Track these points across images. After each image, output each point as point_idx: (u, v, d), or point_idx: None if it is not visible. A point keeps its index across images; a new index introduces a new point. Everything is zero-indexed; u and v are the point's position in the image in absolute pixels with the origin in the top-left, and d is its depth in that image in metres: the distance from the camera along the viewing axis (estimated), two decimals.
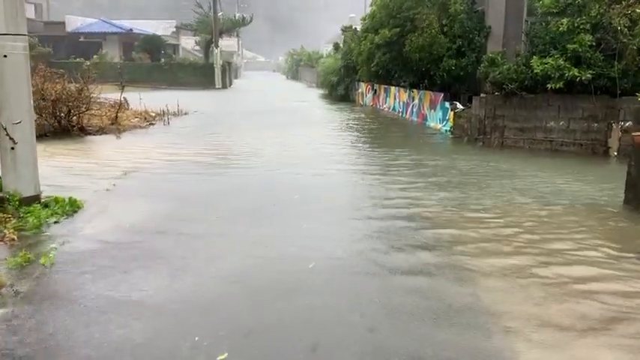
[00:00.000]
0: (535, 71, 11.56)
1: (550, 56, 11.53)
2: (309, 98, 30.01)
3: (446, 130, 15.06)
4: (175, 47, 50.34)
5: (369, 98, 25.48)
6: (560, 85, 11.29)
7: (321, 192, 8.38)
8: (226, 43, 55.56)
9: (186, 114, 19.81)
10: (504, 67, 12.34)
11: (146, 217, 6.71)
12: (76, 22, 44.78)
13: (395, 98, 21.09)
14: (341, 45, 30.69)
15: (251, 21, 45.14)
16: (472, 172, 9.88)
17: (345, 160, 11.23)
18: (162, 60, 41.91)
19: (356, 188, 8.69)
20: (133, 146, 12.55)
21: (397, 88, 20.57)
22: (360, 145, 13.67)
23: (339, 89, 28.63)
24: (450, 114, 15.11)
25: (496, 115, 12.83)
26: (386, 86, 22.37)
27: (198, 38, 46.23)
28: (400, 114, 20.28)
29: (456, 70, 14.98)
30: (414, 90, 18.12)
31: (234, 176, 9.38)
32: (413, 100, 18.69)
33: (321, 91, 33.88)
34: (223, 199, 7.79)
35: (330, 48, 69.64)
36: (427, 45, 14.93)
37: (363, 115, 21.14)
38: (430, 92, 16.77)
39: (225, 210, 7.19)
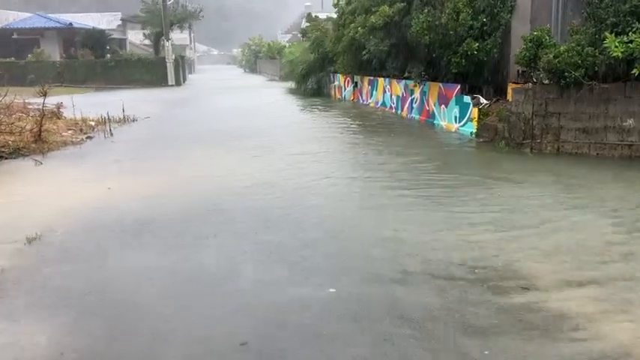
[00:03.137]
0: (613, 53, 8.45)
1: (634, 31, 8.43)
2: (276, 95, 26.43)
3: (470, 133, 11.85)
4: (122, 42, 45.66)
5: (348, 92, 22.14)
6: None
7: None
8: (177, 37, 51.23)
9: (134, 121, 16.05)
10: (562, 48, 9.19)
11: None
12: (7, 17, 39.77)
13: (385, 92, 17.82)
14: (308, 34, 27.22)
15: (201, 12, 40.99)
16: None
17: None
18: (108, 56, 37.51)
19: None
20: (55, 179, 8.92)
21: (387, 79, 17.31)
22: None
23: (311, 82, 25.20)
24: (473, 111, 11.92)
25: (548, 112, 9.70)
26: (372, 78, 19.08)
27: (146, 31, 41.77)
28: (393, 110, 17.03)
29: (480, 54, 11.76)
30: (413, 82, 14.86)
31: (204, 252, 5.80)
32: (412, 94, 15.45)
33: (286, 85, 30.34)
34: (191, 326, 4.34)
35: (288, 37, 65.93)
36: (447, 23, 11.61)
37: (350, 116, 17.78)
38: (439, 84, 13.54)
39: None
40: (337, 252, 5.30)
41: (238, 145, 11.59)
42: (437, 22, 11.96)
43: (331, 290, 4.39)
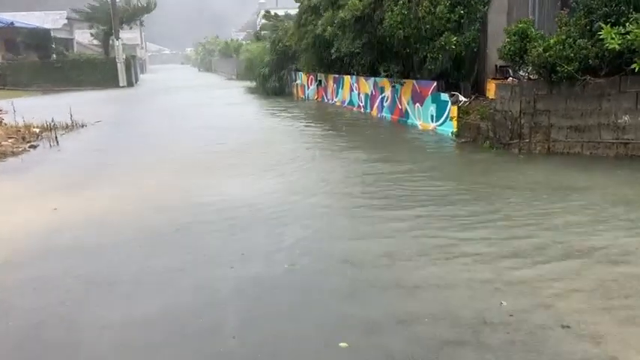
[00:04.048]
0: (610, 46, 7.84)
1: (631, 22, 7.83)
2: (236, 95, 25.32)
3: (450, 133, 11.14)
4: (68, 42, 43.43)
5: (312, 91, 21.28)
6: None
7: None
8: (128, 36, 49.20)
9: (83, 126, 14.74)
10: (551, 41, 8.54)
11: None
12: None
13: (352, 90, 17.02)
14: (266, 32, 26.19)
15: (155, 6, 39.17)
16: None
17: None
18: (54, 57, 35.50)
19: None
20: None
21: (355, 77, 16.51)
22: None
23: (272, 81, 24.22)
24: (452, 109, 11.22)
25: (537, 109, 9.06)
26: (337, 76, 18.25)
27: (93, 31, 39.70)
28: (362, 110, 16.24)
29: (458, 49, 11.06)
30: (384, 79, 14.11)
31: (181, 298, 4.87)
32: (382, 92, 14.68)
33: (245, 84, 29.22)
34: None
35: (243, 35, 64.44)
36: (423, 16, 10.84)
37: (316, 117, 16.91)
38: (413, 81, 12.81)
39: None
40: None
41: (201, 151, 10.57)
42: (412, 15, 11.18)
43: None
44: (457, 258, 4.78)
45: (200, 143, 11.42)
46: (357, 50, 13.27)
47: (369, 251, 5.04)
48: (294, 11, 25.23)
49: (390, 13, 11.45)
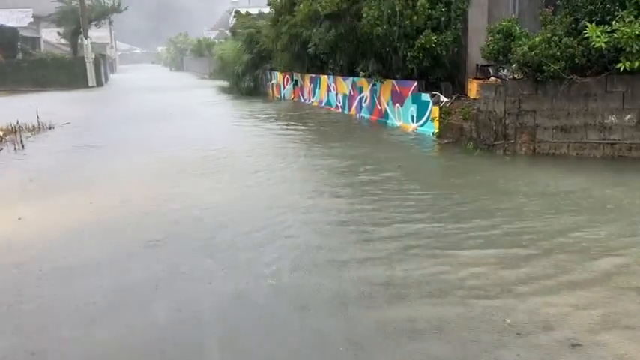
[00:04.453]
0: (595, 44, 7.67)
1: (616, 20, 7.67)
2: (209, 95, 24.79)
3: (431, 134, 10.91)
4: (35, 41, 42.17)
5: (288, 91, 20.91)
6: (638, 62, 7.51)
7: None
8: (97, 35, 48.15)
9: (51, 128, 14.13)
10: (537, 39, 8.35)
11: None
12: None
13: (329, 90, 16.71)
14: (240, 30, 25.65)
15: (125, 8, 38.26)
16: None
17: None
18: (20, 56, 34.40)
19: None
20: None
21: (332, 77, 16.20)
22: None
23: (246, 81, 23.77)
24: (434, 110, 10.99)
25: (522, 110, 8.87)
26: (314, 75, 17.92)
27: (61, 30, 38.56)
28: (340, 110, 15.95)
29: (440, 48, 10.83)
30: (363, 79, 13.83)
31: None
32: (361, 92, 14.40)
33: (218, 83, 28.67)
34: None
35: (215, 34, 63.52)
36: (402, 12, 10.56)
37: (295, 118, 16.57)
38: (392, 81, 12.55)
39: None
40: None
41: (175, 157, 10.13)
42: (390, 11, 10.91)
43: None
44: (453, 291, 4.41)
45: (170, 147, 10.94)
46: (332, 39, 12.78)
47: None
48: (267, 9, 24.87)
49: (368, 9, 11.15)
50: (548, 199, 6.46)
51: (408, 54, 11.15)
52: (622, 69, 7.65)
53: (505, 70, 10.02)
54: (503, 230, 5.46)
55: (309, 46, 14.03)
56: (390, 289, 4.23)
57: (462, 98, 11.03)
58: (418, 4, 10.51)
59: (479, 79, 10.73)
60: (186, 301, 4.18)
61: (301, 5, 13.81)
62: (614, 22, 7.64)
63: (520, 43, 8.59)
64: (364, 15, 11.28)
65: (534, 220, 5.70)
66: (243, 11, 29.04)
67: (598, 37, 7.68)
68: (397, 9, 10.68)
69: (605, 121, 8.32)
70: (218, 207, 6.62)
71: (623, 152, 8.25)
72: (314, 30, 13.46)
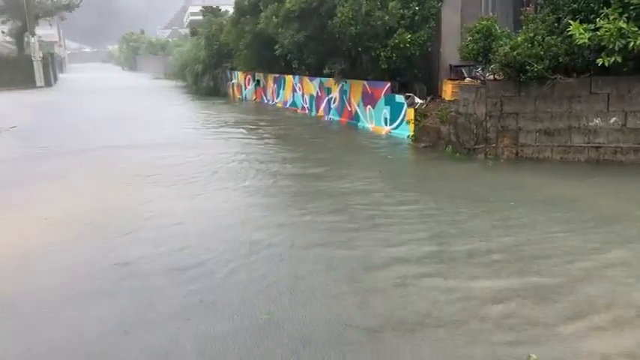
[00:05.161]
0: (579, 41, 7.37)
1: (600, 17, 7.39)
2: (165, 96, 23.82)
3: (407, 137, 10.49)
4: None
5: (249, 91, 20.20)
6: (617, 59, 7.24)
7: None
8: (45, 32, 46.02)
9: None
10: (519, 39, 8.01)
11: None
12: None
13: (295, 90, 16.13)
14: (200, 28, 24.74)
15: (75, 6, 36.56)
16: None
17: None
18: None
19: None
20: None
21: (298, 77, 15.64)
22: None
23: (206, 80, 22.96)
24: (409, 112, 10.57)
25: (504, 112, 8.52)
26: (277, 75, 17.31)
27: (7, 27, 36.62)
28: (306, 112, 15.40)
29: (412, 48, 10.42)
30: (330, 79, 13.32)
31: None
32: (329, 94, 13.89)
33: (174, 84, 27.68)
34: None
35: (168, 33, 61.88)
36: (373, 11, 10.08)
37: (262, 120, 15.92)
38: (363, 82, 12.08)
39: None
40: None
41: (131, 166, 9.38)
42: (363, 10, 10.42)
43: None
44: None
45: (124, 154, 10.18)
46: (302, 40, 12.17)
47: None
48: (224, 7, 24.00)
49: (341, 8, 10.63)
50: (543, 208, 6.09)
51: (381, 54, 10.68)
52: (603, 64, 7.38)
53: (481, 70, 9.70)
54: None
55: (275, 47, 13.36)
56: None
57: (437, 100, 10.65)
58: (390, 5, 10.05)
59: (454, 80, 10.37)
60: None
61: (268, 6, 13.15)
62: (597, 20, 7.37)
63: (501, 42, 8.24)
64: (338, 14, 10.73)
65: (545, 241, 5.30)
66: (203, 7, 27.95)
67: (582, 34, 7.39)
68: (365, 9, 10.19)
69: (590, 123, 8.05)
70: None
71: (609, 156, 7.99)
72: (280, 29, 12.81)
